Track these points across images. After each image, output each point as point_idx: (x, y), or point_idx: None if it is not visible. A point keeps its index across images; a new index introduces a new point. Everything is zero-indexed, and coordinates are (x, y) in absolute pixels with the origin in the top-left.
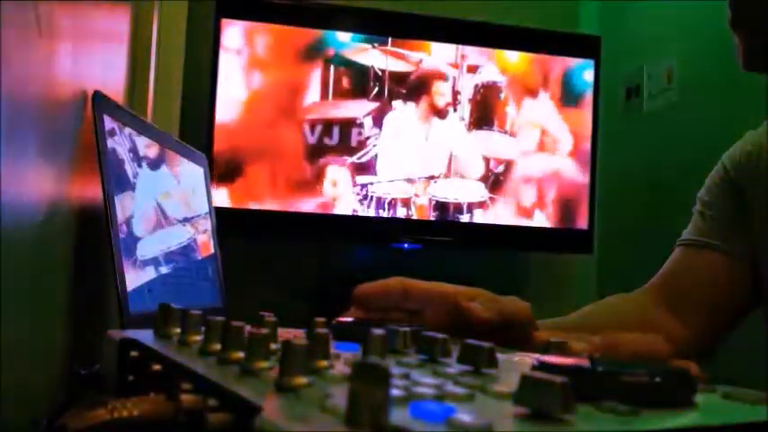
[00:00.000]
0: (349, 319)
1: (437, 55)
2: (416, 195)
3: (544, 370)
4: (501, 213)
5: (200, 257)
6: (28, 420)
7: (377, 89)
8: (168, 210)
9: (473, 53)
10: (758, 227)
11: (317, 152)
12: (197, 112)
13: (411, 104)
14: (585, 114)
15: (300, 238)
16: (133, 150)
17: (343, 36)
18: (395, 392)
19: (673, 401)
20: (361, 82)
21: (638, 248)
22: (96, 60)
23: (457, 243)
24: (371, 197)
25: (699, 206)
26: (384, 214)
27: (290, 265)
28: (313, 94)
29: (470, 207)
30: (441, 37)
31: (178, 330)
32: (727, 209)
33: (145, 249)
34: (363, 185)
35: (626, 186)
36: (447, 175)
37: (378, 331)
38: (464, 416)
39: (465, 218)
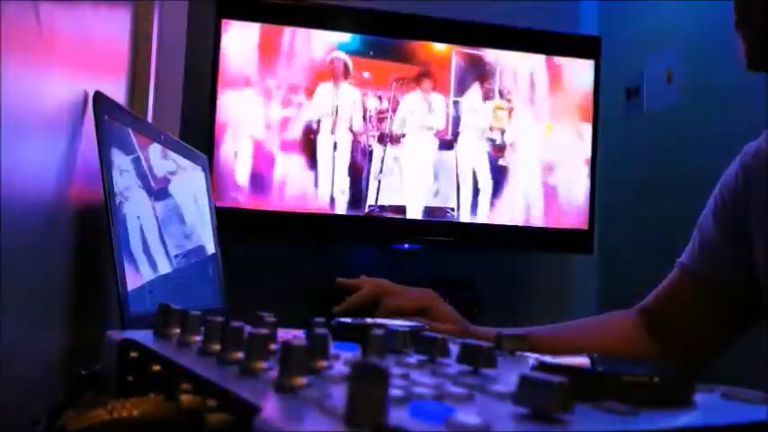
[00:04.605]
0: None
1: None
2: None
3: (544, 370)
4: (501, 213)
5: (200, 257)
6: (28, 420)
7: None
8: (168, 210)
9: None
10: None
11: (318, 150)
12: (197, 112)
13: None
14: (585, 114)
15: (300, 238)
16: (133, 150)
17: (344, 36)
18: (394, 392)
19: (672, 401)
20: (361, 80)
21: (638, 248)
22: (96, 60)
23: (457, 243)
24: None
25: (696, 231)
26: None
27: (290, 265)
28: (314, 93)
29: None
30: (440, 37)
31: (178, 331)
32: (717, 239)
33: (145, 250)
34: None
35: (626, 186)
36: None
37: (378, 331)
38: (463, 416)
39: (465, 218)
